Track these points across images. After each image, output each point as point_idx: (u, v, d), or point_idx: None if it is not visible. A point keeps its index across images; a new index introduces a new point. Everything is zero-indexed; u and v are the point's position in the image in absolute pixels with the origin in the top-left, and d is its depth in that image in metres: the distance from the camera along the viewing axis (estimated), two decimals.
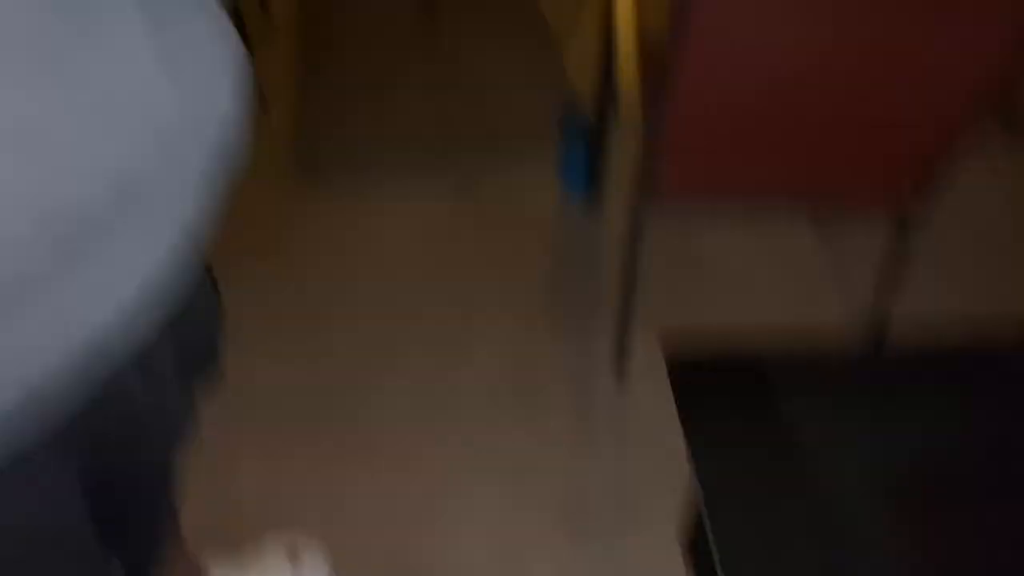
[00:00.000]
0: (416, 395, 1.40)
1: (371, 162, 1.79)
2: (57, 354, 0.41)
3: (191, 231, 0.48)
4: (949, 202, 1.34)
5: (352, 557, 1.16)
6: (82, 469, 0.52)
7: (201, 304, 0.66)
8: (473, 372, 1.43)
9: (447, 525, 1.19)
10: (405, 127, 1.86)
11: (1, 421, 0.41)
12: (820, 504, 0.79)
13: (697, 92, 1.13)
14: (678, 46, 1.06)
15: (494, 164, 1.78)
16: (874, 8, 1.04)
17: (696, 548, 1.11)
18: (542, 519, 1.20)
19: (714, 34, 1.07)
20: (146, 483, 0.64)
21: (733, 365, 0.93)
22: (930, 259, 1.44)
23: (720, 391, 0.90)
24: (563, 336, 1.49)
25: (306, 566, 1.10)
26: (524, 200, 1.71)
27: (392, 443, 1.32)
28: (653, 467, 1.28)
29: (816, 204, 1.36)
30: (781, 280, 1.58)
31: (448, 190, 1.73)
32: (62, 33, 0.37)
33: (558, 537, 1.18)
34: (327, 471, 1.27)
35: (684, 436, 0.87)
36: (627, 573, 1.14)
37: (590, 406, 1.38)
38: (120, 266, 0.43)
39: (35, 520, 0.50)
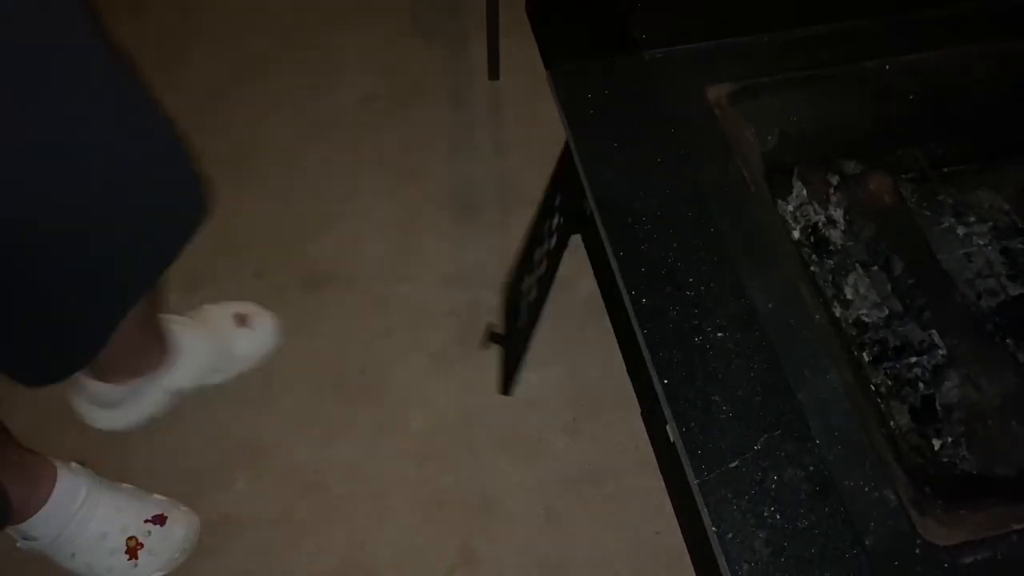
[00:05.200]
0: (293, 113, 1.38)
1: None
2: None
3: None
4: None
5: (265, 275, 1.21)
6: None
7: None
8: (345, 84, 1.41)
9: (344, 230, 1.24)
10: None
11: None
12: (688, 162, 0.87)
13: None
14: None
15: None
16: None
17: (576, 212, 1.21)
18: (431, 210, 1.27)
19: None
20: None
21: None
22: None
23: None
24: (433, 40, 1.48)
25: (256, 329, 1.11)
26: None
27: (276, 161, 1.32)
28: (536, 154, 1.34)
29: None
30: None
31: None
32: None
33: (449, 223, 1.26)
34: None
35: (556, 103, 0.93)
36: (515, 244, 1.24)
37: (466, 104, 1.40)
38: None
39: None
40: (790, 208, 0.93)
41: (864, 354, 0.84)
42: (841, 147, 0.97)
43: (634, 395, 1.07)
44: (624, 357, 1.08)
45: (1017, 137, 1.00)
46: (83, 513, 0.89)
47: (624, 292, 0.77)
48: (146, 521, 0.93)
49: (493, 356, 1.14)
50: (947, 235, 0.92)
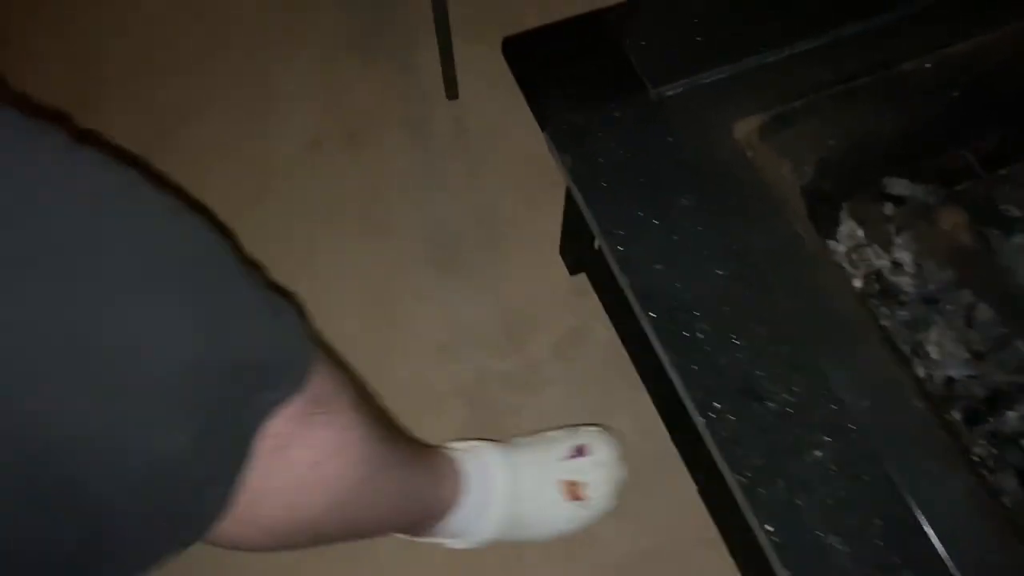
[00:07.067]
0: (229, 168, 1.20)
1: None
2: None
3: None
4: None
5: None
6: None
7: None
8: (284, 127, 1.23)
9: (310, 305, 1.07)
10: None
11: None
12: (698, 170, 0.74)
13: None
14: None
15: None
16: None
17: (581, 249, 1.08)
18: (409, 267, 1.12)
19: None
20: None
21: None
22: None
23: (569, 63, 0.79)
24: (374, 60, 1.29)
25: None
26: None
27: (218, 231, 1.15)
28: (513, 178, 1.19)
29: None
30: None
31: None
32: None
33: (432, 280, 1.11)
34: None
35: (543, 130, 0.77)
36: (513, 294, 1.11)
37: (426, 132, 1.24)
38: None
39: None
40: (842, 249, 0.81)
41: (956, 415, 0.74)
42: (886, 164, 0.85)
43: (678, 455, 0.96)
44: (668, 427, 0.96)
45: None
46: (502, 485, 0.79)
47: (698, 418, 0.64)
48: (567, 459, 0.84)
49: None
50: (1019, 253, 0.81)
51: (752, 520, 0.61)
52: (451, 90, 1.24)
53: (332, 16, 1.32)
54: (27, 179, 0.36)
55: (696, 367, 0.66)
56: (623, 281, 0.71)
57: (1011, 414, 0.73)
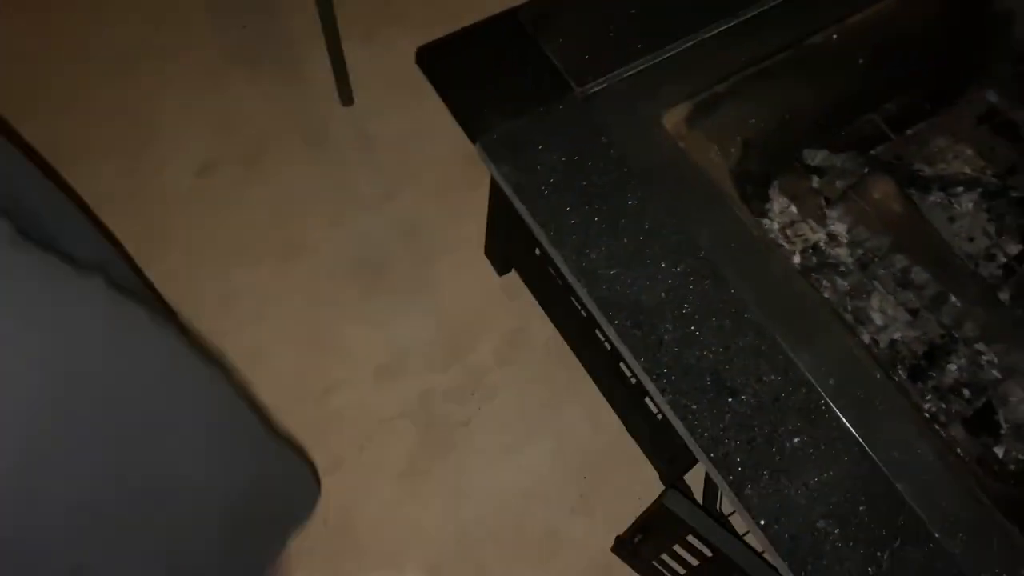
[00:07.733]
0: (116, 208, 1.10)
1: None
2: None
3: None
4: None
5: None
6: None
7: None
8: (171, 155, 1.14)
9: (235, 345, 1.01)
10: None
11: None
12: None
13: None
14: None
15: None
16: None
17: (509, 248, 1.05)
18: (333, 288, 1.07)
19: None
20: None
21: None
22: None
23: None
24: (259, 71, 1.22)
25: None
26: None
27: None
28: (428, 183, 1.15)
29: None
30: None
31: None
32: None
33: (360, 299, 1.06)
34: None
35: (471, 139, 0.74)
36: (446, 303, 1.07)
37: (326, 143, 1.18)
38: None
39: None
40: (776, 227, 0.83)
41: (902, 373, 0.77)
42: (804, 137, 0.87)
43: (633, 442, 0.97)
44: (620, 417, 0.96)
45: (961, 73, 0.93)
46: None
47: (677, 421, 0.64)
48: None
49: (472, 452, 0.99)
50: (937, 210, 0.85)
51: (750, 520, 0.61)
52: (345, 96, 1.19)
53: (206, 32, 1.23)
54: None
55: (667, 369, 0.65)
56: (581, 291, 0.69)
57: (950, 367, 0.77)
